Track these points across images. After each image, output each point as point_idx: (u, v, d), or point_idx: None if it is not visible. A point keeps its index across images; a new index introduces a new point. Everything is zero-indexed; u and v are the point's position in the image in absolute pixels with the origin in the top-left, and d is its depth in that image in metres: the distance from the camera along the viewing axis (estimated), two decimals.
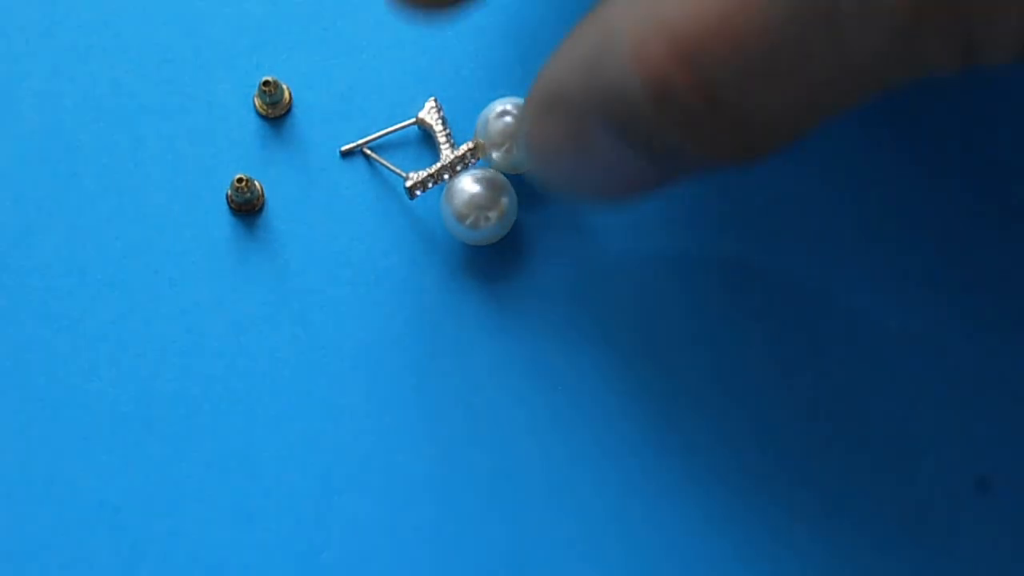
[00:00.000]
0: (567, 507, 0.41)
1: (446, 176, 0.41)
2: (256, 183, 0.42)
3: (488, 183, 0.41)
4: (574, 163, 0.35)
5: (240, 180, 0.42)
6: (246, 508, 0.41)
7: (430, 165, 0.42)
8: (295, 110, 0.43)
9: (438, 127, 0.43)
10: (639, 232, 0.42)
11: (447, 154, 0.42)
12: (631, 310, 0.42)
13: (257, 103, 0.43)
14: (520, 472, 0.41)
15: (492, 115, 0.42)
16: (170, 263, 0.42)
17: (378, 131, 0.43)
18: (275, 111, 0.43)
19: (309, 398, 0.41)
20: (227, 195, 0.43)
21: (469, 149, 0.41)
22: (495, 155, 0.42)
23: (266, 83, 0.42)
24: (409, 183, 0.41)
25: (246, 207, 0.42)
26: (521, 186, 0.42)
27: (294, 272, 0.42)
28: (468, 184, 0.41)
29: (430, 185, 0.41)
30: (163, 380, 0.42)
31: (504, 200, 0.41)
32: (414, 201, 0.43)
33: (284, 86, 0.43)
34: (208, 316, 0.42)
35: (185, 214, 0.43)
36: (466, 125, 0.43)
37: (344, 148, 0.43)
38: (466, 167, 0.41)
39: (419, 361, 0.42)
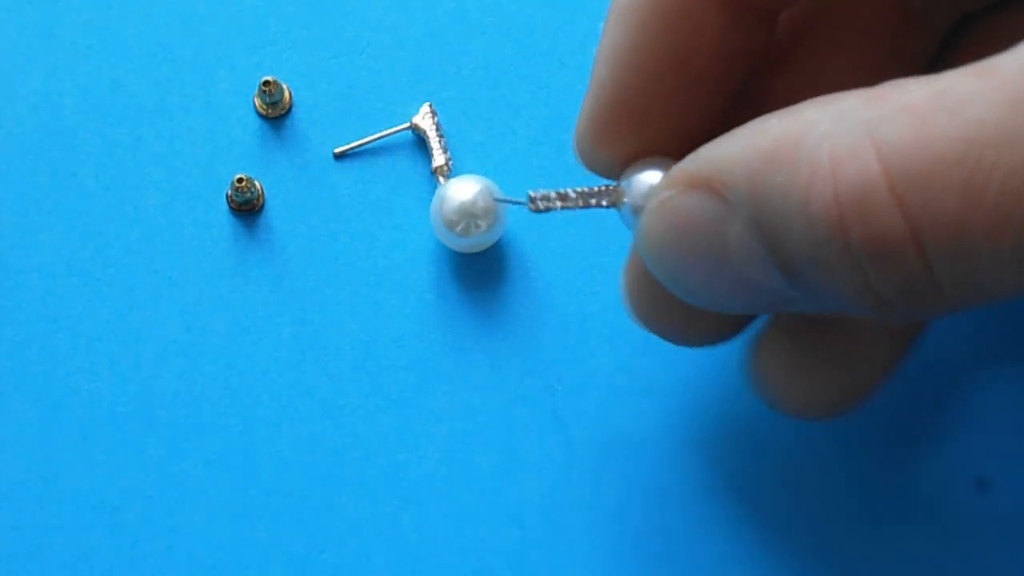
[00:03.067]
0: (567, 507, 0.41)
1: (571, 204, 0.35)
2: (256, 183, 0.42)
3: (479, 191, 0.41)
4: (695, 252, 0.30)
5: (240, 180, 0.42)
6: (246, 508, 0.41)
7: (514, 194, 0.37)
8: (295, 110, 0.43)
9: (431, 132, 0.43)
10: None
11: (573, 192, 0.35)
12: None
13: (257, 103, 0.43)
14: (520, 472, 0.41)
15: (642, 180, 0.35)
16: (170, 263, 0.42)
17: (374, 133, 0.43)
18: (275, 111, 0.43)
19: (309, 398, 0.41)
20: (227, 195, 0.43)
21: (613, 190, 0.35)
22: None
23: (266, 83, 0.42)
24: (535, 193, 0.35)
25: (246, 207, 0.42)
26: (512, 193, 0.42)
27: (294, 272, 0.42)
28: (459, 191, 0.41)
29: (553, 205, 0.35)
30: (163, 380, 0.42)
31: (494, 207, 0.41)
32: (411, 205, 0.43)
33: (284, 86, 0.43)
34: (208, 316, 0.42)
35: (185, 214, 0.43)
36: (464, 127, 0.43)
37: (338, 150, 0.43)
38: (597, 206, 0.35)
39: (419, 361, 0.42)
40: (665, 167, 0.33)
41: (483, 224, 0.41)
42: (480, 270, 0.42)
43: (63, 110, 0.43)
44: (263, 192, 0.43)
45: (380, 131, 0.43)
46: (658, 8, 0.32)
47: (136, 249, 0.42)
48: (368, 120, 0.43)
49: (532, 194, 0.35)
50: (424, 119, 0.43)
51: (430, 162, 0.43)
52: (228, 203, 0.43)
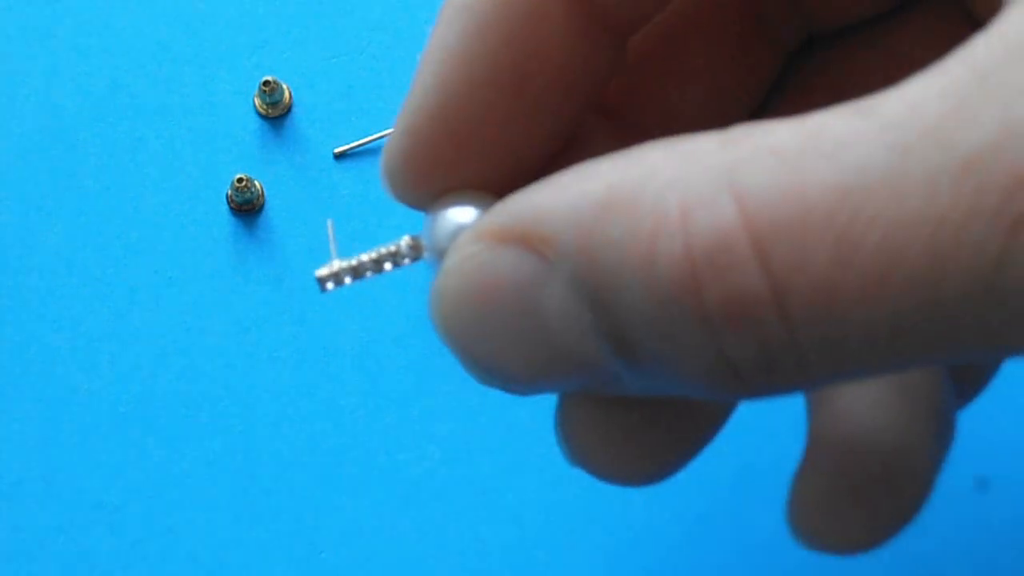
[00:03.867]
0: (567, 507, 0.41)
1: (368, 273, 0.29)
2: (256, 183, 0.42)
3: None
4: (500, 322, 0.25)
5: (240, 180, 0.42)
6: (246, 508, 0.41)
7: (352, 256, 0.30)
8: (295, 110, 0.43)
9: None
10: None
11: (373, 253, 0.29)
12: None
13: (257, 103, 0.43)
14: (520, 472, 0.41)
15: (448, 218, 0.29)
16: (170, 263, 0.42)
17: (374, 134, 0.43)
18: (275, 111, 0.43)
19: (309, 398, 0.41)
20: (227, 195, 0.43)
21: (409, 245, 0.29)
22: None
23: (266, 83, 0.42)
24: (321, 273, 0.29)
25: (246, 207, 0.42)
26: None
27: (294, 272, 0.42)
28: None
29: (347, 281, 0.30)
30: (163, 380, 0.42)
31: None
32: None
33: (284, 86, 0.43)
34: (208, 316, 0.42)
35: (185, 214, 0.43)
36: None
37: (338, 150, 0.43)
38: (397, 265, 0.29)
39: (419, 360, 0.42)
40: (480, 205, 0.27)
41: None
42: None
43: (63, 110, 0.43)
44: (263, 192, 0.43)
45: (380, 131, 0.43)
46: (500, 9, 0.28)
47: (136, 249, 0.42)
48: (368, 120, 0.43)
49: (318, 274, 0.29)
50: None
51: None
52: (228, 203, 0.43)
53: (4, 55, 0.43)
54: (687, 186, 0.23)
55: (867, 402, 0.30)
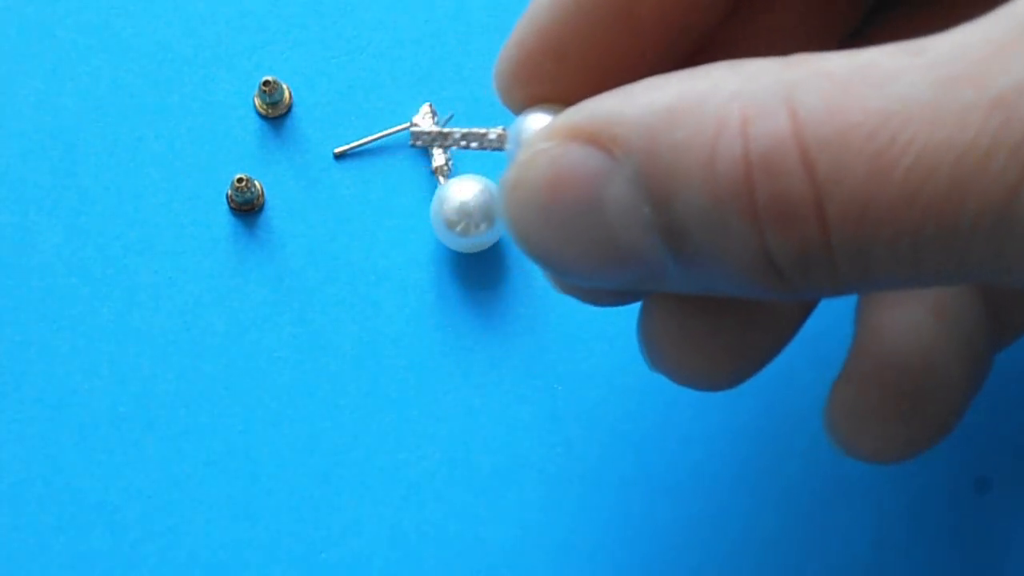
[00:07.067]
0: (567, 507, 0.41)
1: (454, 143, 0.33)
2: (256, 183, 0.42)
3: (479, 191, 0.41)
4: (565, 213, 0.28)
5: (240, 180, 0.42)
6: (246, 508, 0.41)
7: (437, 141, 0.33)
8: (295, 110, 0.43)
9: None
10: None
11: (462, 134, 0.33)
12: (625, 311, 0.42)
13: (257, 103, 0.43)
14: (520, 472, 0.41)
15: (531, 119, 0.31)
16: (170, 263, 0.42)
17: (374, 133, 0.43)
18: (275, 111, 0.43)
19: (309, 398, 0.41)
20: (227, 195, 0.43)
21: (497, 135, 0.32)
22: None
23: (266, 83, 0.42)
24: (416, 129, 0.33)
25: (246, 207, 0.42)
26: None
27: (293, 272, 0.42)
28: (459, 191, 0.41)
29: (424, 141, 0.33)
30: (163, 380, 0.42)
31: (495, 208, 0.42)
32: (411, 205, 0.43)
33: (284, 86, 0.43)
34: (208, 316, 0.42)
35: (185, 214, 0.43)
36: (464, 127, 0.43)
37: (338, 150, 0.43)
38: (482, 148, 0.32)
39: (419, 361, 0.42)
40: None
41: (483, 224, 0.41)
42: (480, 270, 0.42)
43: (63, 110, 0.43)
44: (263, 192, 0.43)
45: (380, 131, 0.43)
46: None
47: (136, 249, 0.42)
48: (368, 120, 0.43)
49: (414, 130, 0.33)
50: (424, 119, 0.43)
51: (430, 162, 0.43)
52: (228, 203, 0.43)
53: (4, 55, 0.43)
54: (749, 98, 0.26)
55: (906, 324, 0.33)
